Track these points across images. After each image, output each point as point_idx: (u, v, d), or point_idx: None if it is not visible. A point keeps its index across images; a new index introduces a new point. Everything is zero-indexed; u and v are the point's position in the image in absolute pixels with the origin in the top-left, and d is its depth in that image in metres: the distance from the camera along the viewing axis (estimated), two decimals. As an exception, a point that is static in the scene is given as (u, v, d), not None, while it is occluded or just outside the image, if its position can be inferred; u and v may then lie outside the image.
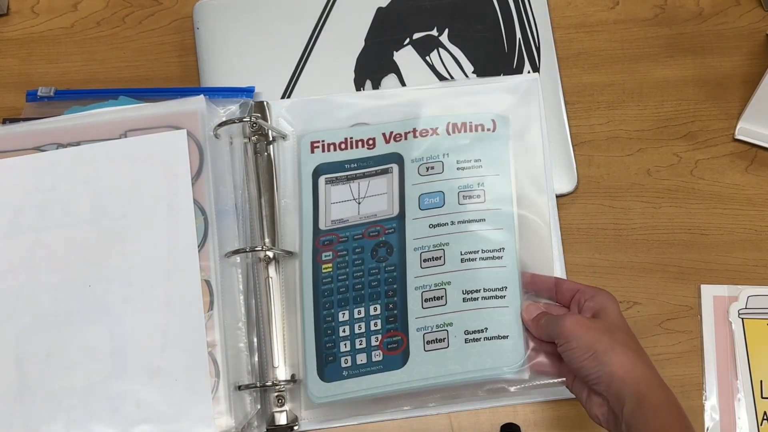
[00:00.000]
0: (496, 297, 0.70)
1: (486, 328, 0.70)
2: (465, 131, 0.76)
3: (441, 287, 0.72)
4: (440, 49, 0.82)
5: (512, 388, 0.69)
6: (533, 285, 0.71)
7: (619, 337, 0.63)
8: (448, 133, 0.76)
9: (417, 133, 0.76)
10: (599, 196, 0.80)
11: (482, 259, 0.72)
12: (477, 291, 0.71)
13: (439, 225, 0.73)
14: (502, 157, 0.75)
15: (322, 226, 0.75)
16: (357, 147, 0.77)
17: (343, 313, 0.72)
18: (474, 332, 0.70)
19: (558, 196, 0.77)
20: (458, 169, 0.75)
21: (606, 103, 0.83)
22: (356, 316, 0.72)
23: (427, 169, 0.75)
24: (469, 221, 0.73)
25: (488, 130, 0.76)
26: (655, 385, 0.61)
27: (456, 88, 0.79)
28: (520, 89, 0.77)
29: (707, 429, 0.74)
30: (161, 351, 0.70)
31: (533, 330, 0.68)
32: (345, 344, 0.72)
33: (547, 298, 0.71)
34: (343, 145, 0.77)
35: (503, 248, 0.72)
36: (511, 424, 0.73)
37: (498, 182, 0.74)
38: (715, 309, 0.76)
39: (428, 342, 0.70)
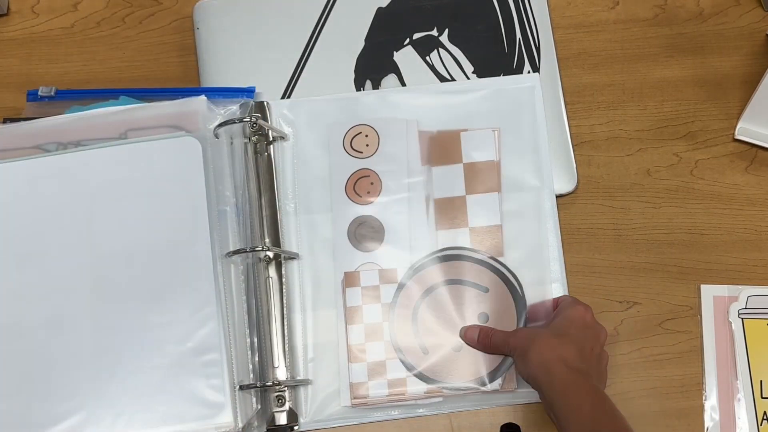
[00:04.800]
0: None
1: None
2: None
3: None
4: (440, 49, 0.82)
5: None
6: (534, 315, 0.74)
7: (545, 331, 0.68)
8: None
9: None
10: (599, 196, 0.80)
11: None
12: None
13: None
14: None
15: None
16: None
17: None
18: None
19: (558, 196, 0.77)
20: None
21: (606, 103, 0.82)
22: None
23: None
24: None
25: None
26: (565, 367, 0.63)
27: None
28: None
29: (707, 429, 0.74)
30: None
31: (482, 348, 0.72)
32: None
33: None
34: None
35: None
36: (511, 424, 0.73)
37: None
38: (715, 309, 0.76)
39: None
